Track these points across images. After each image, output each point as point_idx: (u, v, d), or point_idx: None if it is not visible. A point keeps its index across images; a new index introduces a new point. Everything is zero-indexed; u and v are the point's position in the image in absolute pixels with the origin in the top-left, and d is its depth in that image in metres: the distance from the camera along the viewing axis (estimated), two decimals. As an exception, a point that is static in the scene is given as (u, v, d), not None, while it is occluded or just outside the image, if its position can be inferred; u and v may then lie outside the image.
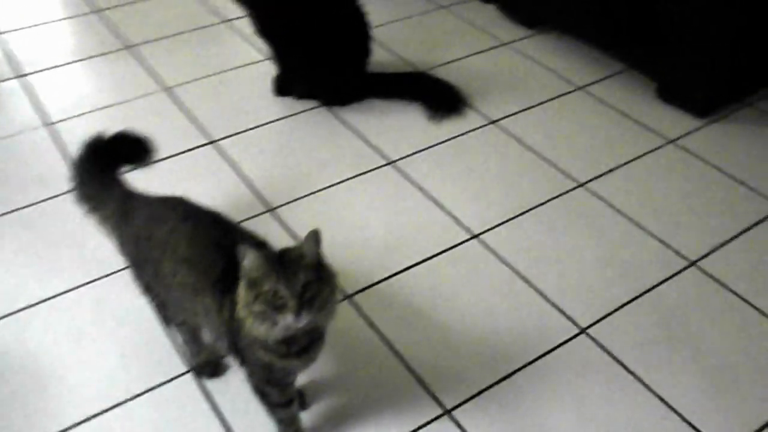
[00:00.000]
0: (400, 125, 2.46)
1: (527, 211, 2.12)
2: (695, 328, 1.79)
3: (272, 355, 1.28)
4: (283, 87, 2.59)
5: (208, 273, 1.33)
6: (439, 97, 2.56)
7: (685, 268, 1.95)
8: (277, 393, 1.40)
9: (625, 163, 2.30)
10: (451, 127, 2.46)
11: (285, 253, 1.22)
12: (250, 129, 2.43)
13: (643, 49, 2.56)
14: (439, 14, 3.13)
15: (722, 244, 2.02)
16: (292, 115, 2.50)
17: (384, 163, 2.30)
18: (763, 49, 2.46)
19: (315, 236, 1.20)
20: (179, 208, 1.44)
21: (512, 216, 2.10)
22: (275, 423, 1.49)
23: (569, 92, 2.64)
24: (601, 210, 2.12)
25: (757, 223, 2.09)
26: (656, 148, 2.37)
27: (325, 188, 2.20)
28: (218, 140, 2.38)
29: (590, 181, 2.23)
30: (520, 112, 2.53)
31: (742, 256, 1.98)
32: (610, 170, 2.27)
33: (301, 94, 2.57)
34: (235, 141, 2.38)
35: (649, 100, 2.59)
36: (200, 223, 1.40)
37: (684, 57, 2.43)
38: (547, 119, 2.50)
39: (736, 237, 2.04)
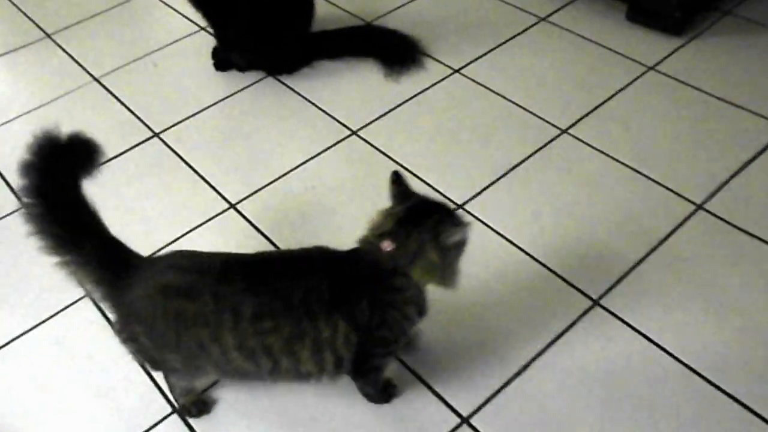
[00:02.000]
0: (357, 87, 2.25)
1: (511, 170, 1.94)
2: (709, 276, 1.66)
3: (417, 315, 1.31)
4: (224, 61, 2.35)
5: (309, 304, 1.21)
6: (393, 50, 2.34)
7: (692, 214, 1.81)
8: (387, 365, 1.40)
9: (607, 100, 2.12)
10: (411, 82, 2.25)
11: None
12: (195, 114, 2.20)
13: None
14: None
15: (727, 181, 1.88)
16: (237, 92, 2.27)
17: (347, 134, 2.10)
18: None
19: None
20: (205, 269, 1.25)
21: (495, 179, 1.92)
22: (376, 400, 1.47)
23: (532, 26, 2.43)
24: (590, 157, 1.96)
25: (765, 150, 1.95)
26: (636, 78, 2.19)
27: (287, 172, 2.00)
28: (162, 132, 2.15)
29: (573, 125, 2.05)
30: (483, 56, 2.33)
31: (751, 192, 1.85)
32: (593, 109, 2.09)
33: (243, 66, 2.33)
34: (181, 130, 2.16)
35: (620, 24, 2.40)
36: (242, 271, 1.25)
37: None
38: (513, 60, 2.30)
39: (742, 169, 1.90)
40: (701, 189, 1.85)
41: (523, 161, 1.96)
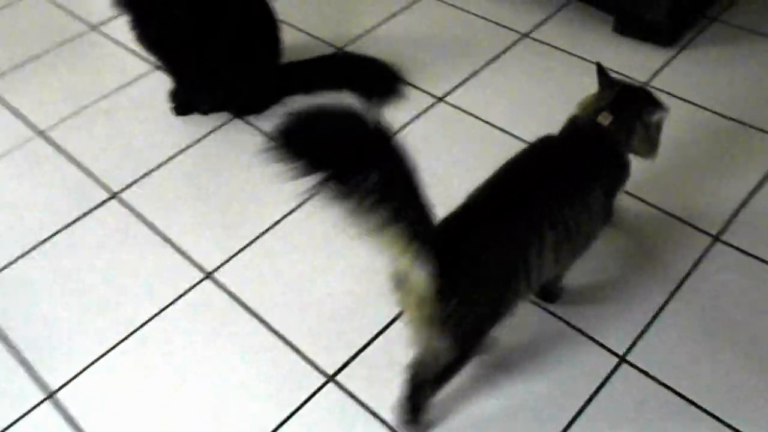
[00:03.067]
0: (334, 125, 2.06)
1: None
2: None
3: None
4: (184, 104, 2.13)
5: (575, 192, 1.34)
6: (371, 81, 2.15)
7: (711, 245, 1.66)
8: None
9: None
10: (392, 115, 2.06)
11: None
12: (156, 168, 1.98)
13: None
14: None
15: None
16: (201, 139, 2.05)
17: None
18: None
19: None
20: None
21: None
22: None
23: (515, 43, 2.26)
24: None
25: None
26: (632, 96, 2.04)
27: (267, 230, 1.80)
28: (121, 191, 1.93)
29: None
30: (467, 80, 2.15)
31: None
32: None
33: (206, 109, 2.12)
34: (142, 188, 1.94)
35: (607, 37, 2.24)
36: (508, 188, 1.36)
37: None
38: (499, 82, 2.13)
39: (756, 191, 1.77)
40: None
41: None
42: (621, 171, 1.47)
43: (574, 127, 1.47)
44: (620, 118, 1.41)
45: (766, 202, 1.74)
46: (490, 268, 1.24)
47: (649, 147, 1.47)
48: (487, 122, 2.01)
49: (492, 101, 2.07)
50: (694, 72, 2.10)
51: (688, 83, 2.06)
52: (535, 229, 1.27)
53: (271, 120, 2.05)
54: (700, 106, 1.99)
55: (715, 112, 1.97)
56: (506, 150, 1.90)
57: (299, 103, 2.12)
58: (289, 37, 2.19)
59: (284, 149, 1.01)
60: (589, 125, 1.43)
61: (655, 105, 1.43)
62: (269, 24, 2.04)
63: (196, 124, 2.10)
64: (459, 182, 1.84)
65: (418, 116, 2.05)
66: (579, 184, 1.35)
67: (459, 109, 2.06)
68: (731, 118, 1.95)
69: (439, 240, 1.15)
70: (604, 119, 1.41)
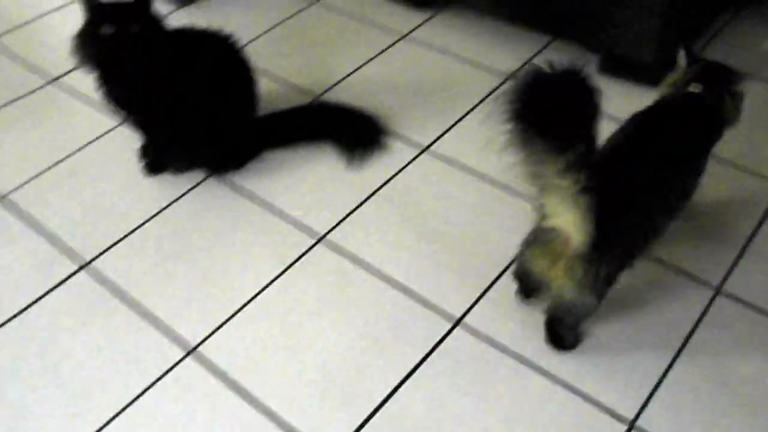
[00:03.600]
0: (316, 181, 1.95)
1: (506, 269, 1.69)
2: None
3: None
4: (156, 162, 2.01)
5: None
6: (352, 131, 2.05)
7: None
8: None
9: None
10: (376, 168, 1.97)
11: None
12: (129, 234, 1.86)
13: (575, 13, 2.13)
14: (313, 13, 2.57)
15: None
16: (177, 200, 1.94)
17: (312, 241, 1.80)
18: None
19: None
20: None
21: (489, 283, 1.67)
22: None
23: (499, 86, 2.19)
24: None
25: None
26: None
27: (252, 298, 1.68)
28: (91, 261, 1.80)
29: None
30: (452, 126, 2.07)
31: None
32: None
33: (179, 167, 2.01)
34: (114, 256, 1.81)
35: (592, 75, 2.16)
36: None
37: (631, 16, 2.02)
38: (489, 130, 2.05)
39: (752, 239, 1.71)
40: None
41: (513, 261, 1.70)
42: (720, 131, 1.58)
43: (666, 101, 1.59)
44: (709, 87, 1.54)
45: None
46: (631, 230, 1.38)
47: (735, 114, 1.58)
48: (480, 174, 1.92)
49: (477, 149, 1.98)
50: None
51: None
52: (662, 192, 1.41)
53: (250, 176, 1.97)
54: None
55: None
56: (496, 201, 1.84)
57: (277, 157, 2.02)
58: (263, 85, 2.09)
59: (518, 111, 1.17)
60: (683, 96, 1.56)
61: (739, 75, 1.58)
62: (244, 77, 1.94)
63: (171, 183, 1.98)
64: (453, 238, 1.78)
65: (403, 168, 1.96)
66: (691, 147, 1.50)
67: (446, 159, 1.98)
68: (727, 161, 1.90)
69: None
70: (696, 88, 1.54)
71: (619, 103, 2.06)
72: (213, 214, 1.89)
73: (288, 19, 2.54)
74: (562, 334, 1.53)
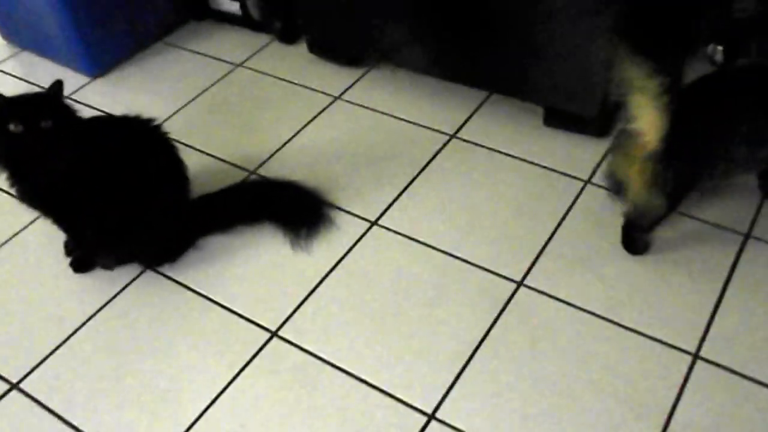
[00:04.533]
0: (261, 267, 1.81)
1: (474, 355, 1.59)
2: None
3: None
4: (83, 259, 1.85)
5: None
6: (293, 209, 1.93)
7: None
8: None
9: (553, 233, 1.83)
10: (325, 249, 1.84)
11: None
12: (58, 346, 1.68)
13: (513, 71, 2.06)
14: (237, 78, 2.43)
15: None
16: (109, 302, 1.76)
17: (265, 337, 1.66)
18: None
19: None
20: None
21: (458, 371, 1.56)
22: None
23: (443, 146, 2.10)
24: (553, 312, 1.64)
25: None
26: (578, 195, 1.91)
27: (204, 411, 1.53)
28: (20, 382, 1.62)
29: (527, 274, 1.73)
30: (399, 196, 1.96)
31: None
32: (543, 248, 1.79)
33: (108, 264, 1.84)
34: (44, 374, 1.63)
35: (538, 129, 2.11)
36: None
37: (572, 72, 1.96)
38: (433, 193, 1.96)
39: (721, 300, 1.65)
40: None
41: (483, 340, 1.61)
42: None
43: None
44: None
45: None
46: (701, 143, 1.54)
47: None
48: (433, 247, 1.82)
49: (429, 218, 1.89)
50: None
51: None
52: (736, 124, 1.55)
53: (188, 268, 1.82)
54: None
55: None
56: (454, 274, 1.74)
57: (216, 243, 1.88)
58: (194, 162, 1.93)
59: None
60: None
61: None
62: (171, 161, 1.79)
63: (102, 281, 1.81)
64: (416, 319, 1.67)
65: (353, 246, 1.84)
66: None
67: (396, 232, 1.87)
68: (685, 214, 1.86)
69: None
70: None
71: (569, 156, 2.02)
72: (152, 315, 1.73)
73: (211, 86, 2.40)
74: (635, 237, 1.73)
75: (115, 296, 1.78)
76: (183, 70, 2.48)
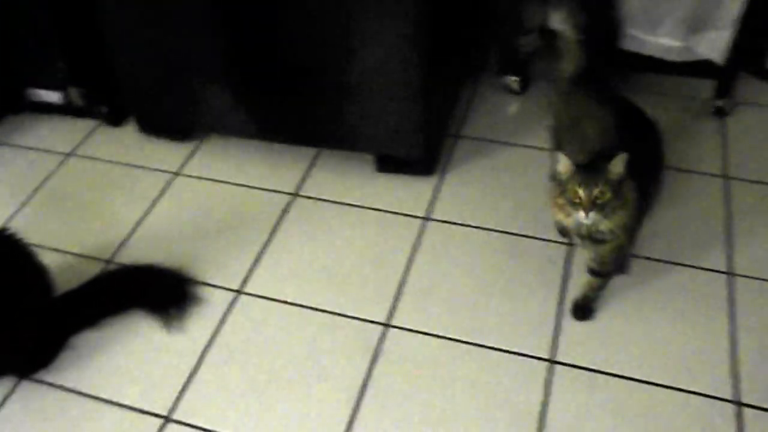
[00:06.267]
0: (138, 354, 1.85)
1: (362, 396, 1.73)
2: None
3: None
4: (-51, 383, 1.80)
5: None
6: (157, 291, 1.98)
7: None
8: None
9: (406, 271, 2.01)
10: (197, 325, 1.91)
11: (592, 163, 1.57)
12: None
13: (337, 127, 2.24)
14: (72, 167, 2.43)
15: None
16: (-11, 422, 1.75)
17: (159, 425, 1.70)
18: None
19: (623, 160, 1.53)
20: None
21: (349, 416, 1.70)
22: None
23: (287, 206, 2.23)
24: (423, 344, 1.83)
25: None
26: (421, 233, 2.12)
27: None
28: None
29: (392, 315, 1.91)
30: (257, 261, 2.07)
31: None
32: (399, 287, 1.97)
33: (-19, 380, 1.81)
34: None
35: (371, 175, 2.30)
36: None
37: (392, 120, 2.17)
38: (289, 254, 2.08)
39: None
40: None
41: (365, 385, 1.76)
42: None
43: None
44: None
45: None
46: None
47: None
48: (295, 304, 1.95)
49: (289, 277, 2.02)
50: (461, 192, 2.24)
51: (461, 204, 2.20)
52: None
53: (65, 370, 1.83)
54: (476, 227, 2.13)
55: (485, 228, 2.13)
56: (325, 327, 1.88)
57: (88, 341, 1.89)
58: (48, 261, 1.88)
59: None
60: None
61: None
62: (29, 265, 1.80)
63: (-26, 403, 1.79)
64: (300, 378, 1.78)
65: (224, 318, 1.93)
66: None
67: (262, 296, 1.98)
68: (503, 231, 2.11)
69: None
70: None
71: (404, 197, 2.21)
72: (41, 426, 1.72)
73: (46, 180, 2.38)
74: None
75: (-7, 415, 1.76)
76: (12, 167, 2.44)
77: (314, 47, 2.06)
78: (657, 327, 1.84)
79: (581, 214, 1.55)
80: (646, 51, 2.37)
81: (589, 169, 1.56)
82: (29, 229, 2.09)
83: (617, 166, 1.54)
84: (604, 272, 1.80)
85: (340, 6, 1.95)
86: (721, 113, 2.47)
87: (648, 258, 2.00)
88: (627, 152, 1.53)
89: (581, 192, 1.53)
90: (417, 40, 1.97)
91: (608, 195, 1.54)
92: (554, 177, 1.60)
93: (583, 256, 1.86)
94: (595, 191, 1.53)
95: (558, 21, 1.88)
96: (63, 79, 2.45)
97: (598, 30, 1.90)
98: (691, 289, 1.93)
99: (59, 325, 1.88)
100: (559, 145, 1.94)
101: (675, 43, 2.34)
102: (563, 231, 2.03)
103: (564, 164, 1.56)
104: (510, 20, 2.47)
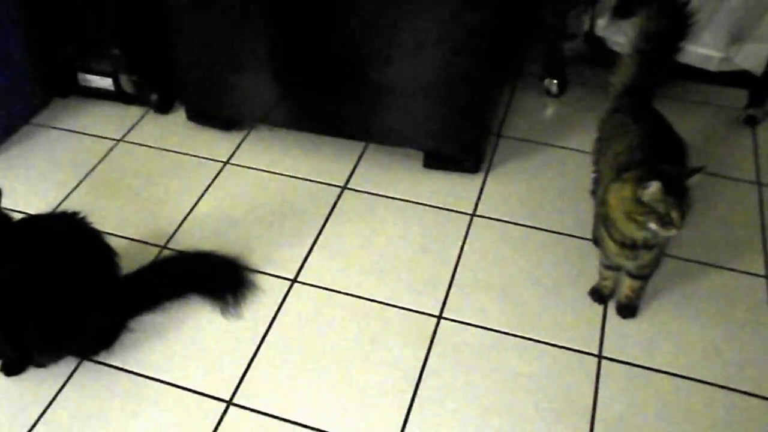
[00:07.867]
0: (199, 338, 1.89)
1: (419, 384, 1.79)
2: None
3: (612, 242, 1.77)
4: (14, 363, 1.84)
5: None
6: (215, 278, 2.02)
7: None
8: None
9: (456, 265, 2.06)
10: (254, 312, 1.95)
11: (674, 183, 1.61)
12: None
13: (387, 124, 2.29)
14: (121, 153, 2.46)
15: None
16: (53, 401, 1.77)
17: (223, 409, 1.75)
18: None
19: (695, 171, 1.65)
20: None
21: (409, 401, 1.75)
22: None
23: (338, 198, 2.28)
24: (475, 336, 1.89)
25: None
26: (468, 227, 2.17)
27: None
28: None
29: (443, 310, 1.96)
30: (310, 251, 2.11)
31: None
32: (451, 280, 2.02)
33: (43, 361, 1.84)
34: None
35: (419, 171, 2.35)
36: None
37: (446, 120, 2.22)
38: (341, 244, 2.13)
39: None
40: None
41: (422, 374, 1.81)
42: None
43: None
44: None
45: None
46: None
47: None
48: (355, 296, 2.00)
49: (342, 267, 2.06)
50: (506, 191, 2.29)
51: (505, 203, 2.25)
52: None
53: (126, 352, 1.87)
54: (521, 225, 2.19)
55: (530, 227, 2.18)
56: (379, 318, 1.93)
57: (147, 324, 1.93)
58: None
59: None
60: None
61: None
62: (100, 248, 1.84)
63: (39, 380, 1.81)
64: (358, 366, 1.84)
65: (280, 307, 1.98)
66: None
67: (317, 286, 2.02)
68: (547, 230, 2.17)
69: None
70: None
71: (452, 194, 2.27)
72: (102, 406, 1.76)
73: (97, 165, 2.41)
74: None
75: (57, 393, 1.79)
76: (62, 150, 2.47)
77: (371, 46, 2.11)
78: (697, 326, 1.91)
79: (673, 231, 1.62)
80: (686, 60, 2.43)
81: (677, 189, 1.61)
82: (82, 212, 2.14)
83: (692, 182, 1.63)
84: (647, 275, 1.87)
85: (402, 10, 2.02)
86: (752, 122, 2.54)
87: (687, 260, 2.07)
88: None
89: (675, 214, 1.60)
90: (482, 44, 2.05)
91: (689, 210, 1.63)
92: (636, 198, 1.63)
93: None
94: (687, 211, 1.62)
95: (613, 30, 1.92)
96: (116, 65, 2.48)
97: (667, 40, 1.91)
98: (729, 291, 2.00)
99: (122, 307, 1.92)
100: (597, 160, 2.02)
101: (715, 54, 2.40)
102: (607, 262, 1.92)
103: (656, 188, 1.59)
104: (558, 25, 2.52)
